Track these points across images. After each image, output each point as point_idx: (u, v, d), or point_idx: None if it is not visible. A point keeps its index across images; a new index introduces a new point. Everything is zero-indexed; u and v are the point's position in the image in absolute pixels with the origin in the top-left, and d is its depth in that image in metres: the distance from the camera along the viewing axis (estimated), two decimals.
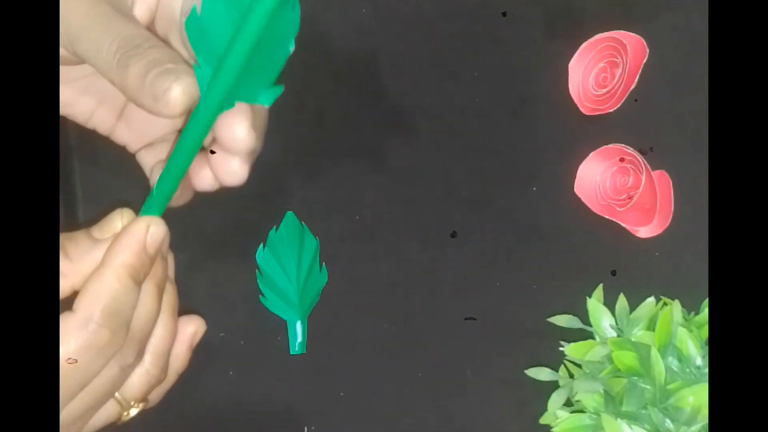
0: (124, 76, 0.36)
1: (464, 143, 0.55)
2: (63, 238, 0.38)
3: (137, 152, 0.42)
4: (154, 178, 0.39)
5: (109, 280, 0.37)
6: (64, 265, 0.37)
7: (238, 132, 0.36)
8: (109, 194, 0.54)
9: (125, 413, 0.40)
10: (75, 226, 0.52)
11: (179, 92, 0.34)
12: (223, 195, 0.53)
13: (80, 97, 0.41)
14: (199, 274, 0.54)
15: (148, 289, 0.38)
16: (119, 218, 0.38)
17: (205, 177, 0.38)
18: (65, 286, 0.37)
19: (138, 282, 0.37)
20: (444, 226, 0.54)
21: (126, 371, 0.38)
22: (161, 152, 0.41)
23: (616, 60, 0.53)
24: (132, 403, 0.40)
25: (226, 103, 0.35)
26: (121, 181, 0.53)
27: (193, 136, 0.35)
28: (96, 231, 0.38)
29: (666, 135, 0.54)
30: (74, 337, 0.36)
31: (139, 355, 0.39)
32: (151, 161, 0.41)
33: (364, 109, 0.55)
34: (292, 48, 0.35)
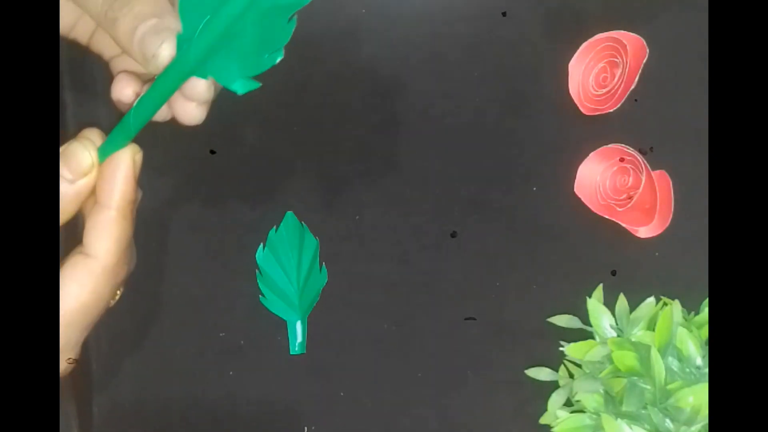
0: (113, 30, 0.38)
1: (464, 143, 0.55)
2: None
3: (109, 60, 0.43)
4: (116, 86, 0.40)
5: (119, 221, 0.38)
6: None
7: (200, 86, 0.38)
8: None
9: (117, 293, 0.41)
10: (75, 225, 0.52)
11: (166, 56, 0.37)
12: (224, 195, 0.54)
13: (65, 7, 0.42)
14: (199, 274, 0.54)
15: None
16: (87, 152, 0.38)
17: (163, 111, 0.40)
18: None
19: (134, 210, 0.40)
20: (444, 226, 0.54)
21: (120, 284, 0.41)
22: (128, 63, 0.42)
23: (616, 60, 0.53)
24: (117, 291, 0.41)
25: (199, 72, 0.37)
26: None
27: (162, 90, 0.38)
28: (65, 170, 0.38)
29: (666, 135, 0.54)
30: (100, 279, 0.38)
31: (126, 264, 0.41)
32: (118, 69, 0.42)
33: (364, 110, 0.55)
34: (279, 58, 0.37)
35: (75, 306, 0.38)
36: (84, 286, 0.38)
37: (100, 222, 0.38)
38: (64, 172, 0.38)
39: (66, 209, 0.38)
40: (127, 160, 0.38)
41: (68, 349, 0.40)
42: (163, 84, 0.37)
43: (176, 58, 0.37)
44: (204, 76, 0.37)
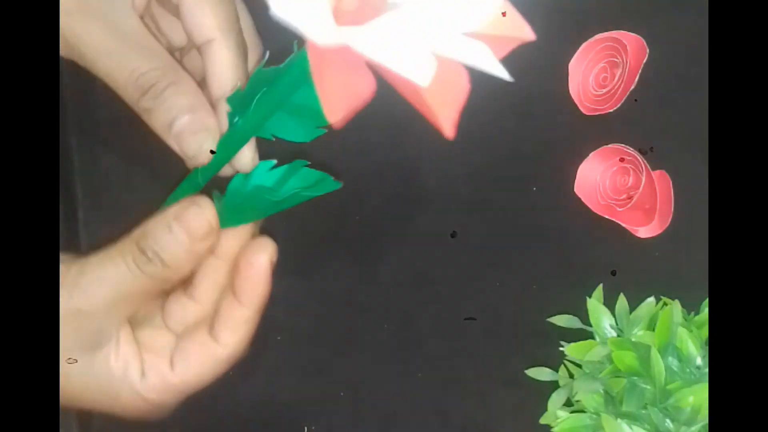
0: (148, 119, 0.39)
1: (464, 143, 0.54)
2: (156, 247, 0.38)
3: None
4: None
5: (255, 320, 0.41)
6: (165, 273, 0.39)
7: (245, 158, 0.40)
8: (109, 193, 0.54)
9: None
10: (75, 224, 0.52)
11: (206, 157, 0.38)
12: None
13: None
14: None
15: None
16: (204, 219, 0.38)
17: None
18: (165, 287, 0.40)
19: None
20: (444, 226, 0.54)
21: None
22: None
23: (616, 60, 0.53)
24: None
25: (261, 132, 0.39)
26: (120, 181, 0.53)
27: (227, 152, 0.39)
28: (182, 234, 0.38)
29: (666, 135, 0.54)
30: (221, 367, 0.41)
31: None
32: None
33: (363, 110, 0.55)
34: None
35: (191, 382, 0.40)
36: (205, 370, 0.40)
37: (236, 318, 0.40)
38: (181, 235, 0.38)
39: (183, 267, 0.39)
40: (266, 262, 0.39)
41: (165, 412, 0.42)
42: (228, 147, 0.38)
43: (238, 125, 0.38)
44: (267, 136, 0.38)
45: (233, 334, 0.40)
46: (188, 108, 0.38)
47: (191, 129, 0.38)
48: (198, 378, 0.40)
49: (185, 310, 0.41)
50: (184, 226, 0.38)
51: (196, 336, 0.40)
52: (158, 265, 0.38)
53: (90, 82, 0.54)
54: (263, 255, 0.39)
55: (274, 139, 0.39)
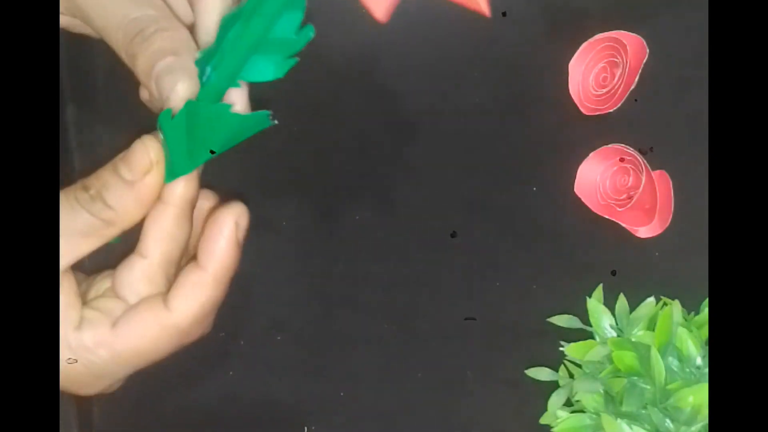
0: (134, 65, 0.38)
1: (464, 143, 0.55)
2: (99, 185, 0.37)
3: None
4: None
5: (213, 289, 0.38)
6: (108, 214, 0.37)
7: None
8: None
9: None
10: None
11: (180, 96, 0.36)
12: (223, 195, 0.54)
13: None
14: None
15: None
16: (146, 154, 0.37)
17: None
18: (113, 233, 0.38)
19: (231, 275, 0.40)
20: (444, 226, 0.54)
21: None
22: None
23: (616, 60, 0.53)
24: None
25: (234, 83, 0.38)
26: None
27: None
28: (126, 172, 0.37)
29: (666, 135, 0.54)
30: (165, 336, 0.38)
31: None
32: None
33: (363, 109, 0.55)
34: (311, 34, 0.37)
35: (131, 346, 0.38)
36: (148, 335, 0.38)
37: (191, 282, 0.38)
38: (123, 172, 0.37)
39: (127, 211, 0.37)
40: (230, 223, 0.38)
41: (109, 383, 0.39)
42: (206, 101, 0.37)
43: (211, 80, 0.37)
44: (235, 85, 0.38)
45: (184, 300, 0.38)
46: (172, 51, 0.37)
47: (169, 68, 0.37)
48: (140, 343, 0.38)
49: (133, 268, 0.39)
50: (126, 163, 0.37)
51: (148, 300, 0.38)
52: (100, 204, 0.37)
53: (90, 83, 0.55)
54: (229, 215, 0.38)
55: (241, 86, 0.38)
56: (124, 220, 0.38)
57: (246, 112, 0.39)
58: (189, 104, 0.36)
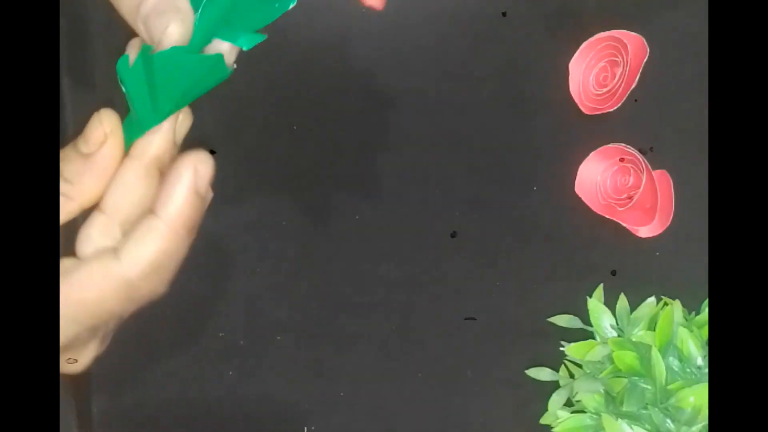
0: (117, 5, 0.35)
1: (464, 143, 0.55)
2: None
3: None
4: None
5: (167, 239, 0.35)
6: (65, 188, 0.36)
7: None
8: None
9: None
10: (74, 224, 0.52)
11: (173, 40, 0.34)
12: (223, 195, 0.53)
13: None
14: (198, 273, 0.54)
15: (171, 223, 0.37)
16: (100, 125, 0.36)
17: None
18: (73, 208, 0.36)
19: (191, 229, 0.37)
20: (444, 226, 0.54)
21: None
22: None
23: (616, 59, 0.53)
24: None
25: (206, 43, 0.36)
26: None
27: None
28: (83, 145, 0.36)
29: (666, 135, 0.54)
30: (112, 288, 0.35)
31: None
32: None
33: (364, 109, 0.55)
34: (292, 4, 0.36)
35: (75, 299, 0.35)
36: (93, 286, 0.35)
37: (143, 228, 0.35)
38: (80, 145, 0.36)
39: (84, 183, 0.36)
40: (189, 168, 0.36)
41: (63, 346, 0.37)
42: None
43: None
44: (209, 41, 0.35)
45: (135, 247, 0.35)
46: None
47: (158, 9, 0.34)
48: (84, 295, 0.35)
49: (91, 224, 0.37)
50: (83, 136, 0.36)
51: (98, 252, 0.36)
52: (59, 180, 0.35)
53: (90, 82, 0.55)
54: (188, 160, 0.36)
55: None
56: (83, 193, 0.36)
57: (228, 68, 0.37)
58: (144, 48, 0.34)
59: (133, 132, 0.37)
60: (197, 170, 0.35)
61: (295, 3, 0.36)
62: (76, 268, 0.36)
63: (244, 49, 0.36)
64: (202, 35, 0.36)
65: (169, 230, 0.35)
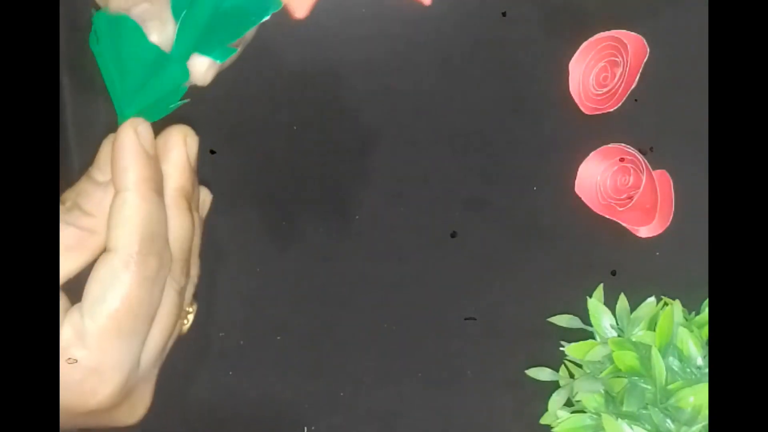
0: (106, 5, 0.36)
1: (464, 143, 0.55)
2: (74, 195, 0.36)
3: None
4: None
5: (135, 202, 0.34)
6: (87, 222, 0.36)
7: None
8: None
9: (185, 322, 0.39)
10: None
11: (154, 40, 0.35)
12: (223, 195, 0.54)
13: None
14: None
15: (171, 197, 0.36)
16: (107, 146, 0.36)
17: None
18: (99, 242, 0.36)
19: (159, 192, 0.36)
20: (444, 226, 0.54)
21: (182, 293, 0.36)
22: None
23: (616, 59, 0.53)
24: (187, 309, 0.38)
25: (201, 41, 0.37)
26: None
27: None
28: (97, 173, 0.36)
29: (666, 135, 0.54)
30: (124, 277, 0.34)
31: (187, 272, 0.37)
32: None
33: (363, 109, 0.55)
34: (265, 17, 0.37)
35: (107, 313, 0.34)
36: (109, 288, 0.34)
37: (115, 208, 0.35)
38: (94, 174, 0.36)
39: (106, 214, 0.36)
40: (127, 133, 0.35)
41: (109, 371, 0.36)
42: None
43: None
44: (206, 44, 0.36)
45: (116, 228, 0.34)
46: None
47: (142, 18, 0.35)
48: (109, 307, 0.35)
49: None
50: (96, 165, 0.36)
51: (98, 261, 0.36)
52: (77, 212, 0.35)
53: (90, 82, 0.55)
54: (125, 127, 0.35)
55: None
56: (104, 221, 0.36)
57: (207, 77, 0.37)
58: (97, 17, 0.35)
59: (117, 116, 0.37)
60: (138, 132, 0.35)
61: (268, 17, 0.36)
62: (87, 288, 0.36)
63: (219, 62, 0.37)
64: (182, 46, 0.36)
65: (139, 197, 0.35)
